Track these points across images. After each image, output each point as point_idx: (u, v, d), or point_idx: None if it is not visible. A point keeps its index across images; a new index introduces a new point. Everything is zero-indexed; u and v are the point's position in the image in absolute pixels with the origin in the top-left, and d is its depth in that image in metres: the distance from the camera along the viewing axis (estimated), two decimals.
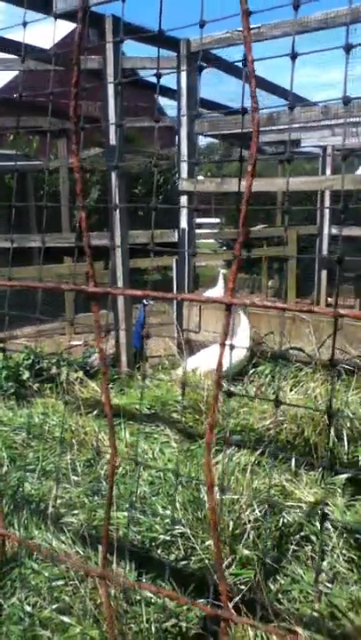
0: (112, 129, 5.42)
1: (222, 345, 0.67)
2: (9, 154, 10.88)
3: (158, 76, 2.29)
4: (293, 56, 1.76)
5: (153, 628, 2.41)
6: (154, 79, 6.65)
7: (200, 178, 8.30)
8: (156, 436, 4.21)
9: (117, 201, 5.45)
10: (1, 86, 16.32)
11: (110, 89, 5.39)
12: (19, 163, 10.35)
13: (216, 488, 2.99)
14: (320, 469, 3.44)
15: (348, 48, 1.57)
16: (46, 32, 3.25)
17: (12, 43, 5.84)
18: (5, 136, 11.24)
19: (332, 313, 0.67)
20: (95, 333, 0.72)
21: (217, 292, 8.32)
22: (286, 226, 7.00)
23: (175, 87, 6.46)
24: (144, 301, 5.97)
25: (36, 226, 9.64)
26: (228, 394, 3.05)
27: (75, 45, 0.81)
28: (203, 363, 5.10)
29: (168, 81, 6.91)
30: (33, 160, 10.33)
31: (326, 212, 9.51)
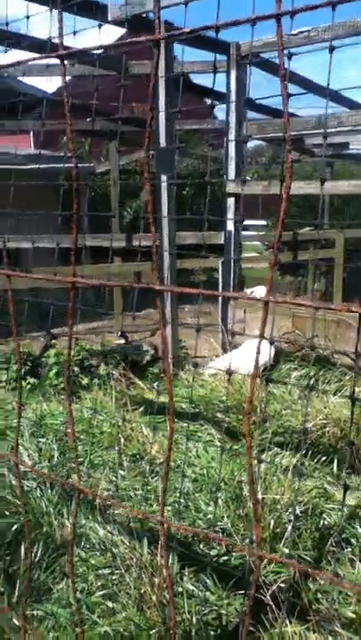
0: (162, 132, 5.54)
1: (261, 337, 0.74)
2: (61, 156, 11.18)
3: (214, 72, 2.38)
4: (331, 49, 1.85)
5: (194, 619, 2.49)
6: (204, 82, 6.74)
7: (247, 180, 8.34)
8: (200, 434, 4.30)
9: (167, 203, 5.57)
10: (53, 90, 16.71)
11: (161, 92, 5.50)
12: (70, 165, 10.62)
13: (259, 487, 3.06)
14: None
15: None
16: (96, 38, 3.37)
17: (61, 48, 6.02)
18: (58, 139, 11.55)
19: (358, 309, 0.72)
20: (160, 328, 0.80)
21: (258, 295, 8.33)
22: (316, 225, 6.95)
23: (224, 90, 6.53)
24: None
25: (87, 226, 9.87)
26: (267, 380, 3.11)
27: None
28: (233, 362, 5.18)
29: (219, 84, 6.97)
30: (84, 162, 10.58)
31: None
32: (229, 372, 2.58)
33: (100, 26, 3.44)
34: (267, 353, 5.31)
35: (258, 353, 0.73)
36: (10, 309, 0.96)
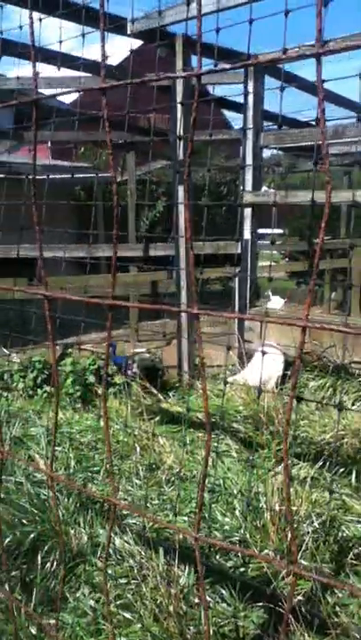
0: (179, 144, 5.57)
1: (300, 361, 0.74)
2: (79, 167, 11.30)
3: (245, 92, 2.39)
4: None
5: (211, 631, 2.47)
6: (221, 93, 6.77)
7: (264, 189, 8.35)
8: (215, 444, 4.29)
9: (183, 213, 5.59)
10: (70, 101, 16.93)
11: (178, 106, 5.54)
12: (87, 175, 10.73)
13: (276, 497, 3.04)
14: None
15: None
16: (112, 49, 3.42)
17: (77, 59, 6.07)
18: (76, 149, 11.68)
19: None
20: (199, 347, 0.81)
21: (275, 304, 8.32)
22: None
23: (240, 101, 6.57)
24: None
25: (104, 236, 9.94)
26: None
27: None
28: (248, 376, 5.19)
29: (234, 94, 7.00)
30: (101, 172, 10.67)
31: None
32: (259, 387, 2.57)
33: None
34: (280, 365, 5.31)
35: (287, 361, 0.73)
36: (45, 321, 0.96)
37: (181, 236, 5.67)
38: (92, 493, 3.48)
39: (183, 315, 5.86)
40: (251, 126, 6.04)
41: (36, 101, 0.87)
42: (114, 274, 0.85)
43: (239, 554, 2.90)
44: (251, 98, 6.28)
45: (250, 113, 6.28)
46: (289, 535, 2.93)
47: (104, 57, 0.82)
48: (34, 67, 0.91)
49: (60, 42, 3.95)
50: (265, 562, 2.78)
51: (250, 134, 6.12)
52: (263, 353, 3.62)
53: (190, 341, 5.89)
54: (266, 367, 5.16)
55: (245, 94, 6.28)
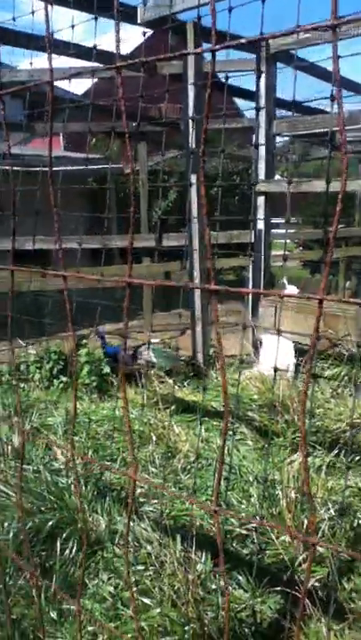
0: (191, 132, 5.55)
1: (316, 339, 0.75)
2: (91, 158, 11.29)
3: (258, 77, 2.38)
4: None
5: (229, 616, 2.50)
6: (232, 81, 6.72)
7: (277, 178, 8.29)
8: (230, 433, 4.31)
9: (196, 203, 5.58)
10: (82, 92, 16.90)
11: (191, 93, 5.51)
12: (100, 166, 10.73)
13: (292, 485, 3.05)
14: None
15: None
16: (123, 38, 3.41)
17: (88, 50, 6.05)
18: (88, 140, 11.66)
19: None
20: (214, 329, 0.81)
21: (289, 291, 8.29)
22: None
23: (252, 88, 6.53)
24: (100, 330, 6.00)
25: (116, 227, 9.95)
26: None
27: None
28: (265, 365, 5.19)
29: (246, 83, 6.94)
30: (113, 163, 10.68)
31: None
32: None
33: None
34: (291, 353, 5.30)
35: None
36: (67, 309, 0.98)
37: (195, 216, 5.65)
38: (114, 470, 3.52)
39: (197, 304, 5.86)
40: (263, 113, 6.00)
41: (52, 83, 0.88)
42: (130, 249, 0.86)
43: (255, 540, 2.92)
44: (263, 85, 6.23)
45: (262, 101, 6.23)
46: (305, 522, 2.95)
47: (118, 40, 0.82)
48: (49, 53, 0.92)
49: (73, 26, 3.94)
50: (289, 535, 2.80)
51: (262, 122, 6.08)
52: (275, 337, 3.61)
53: (205, 331, 5.89)
54: (279, 356, 5.15)
55: (258, 82, 6.23)
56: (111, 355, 5.72)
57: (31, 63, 5.28)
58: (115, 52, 0.95)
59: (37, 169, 4.26)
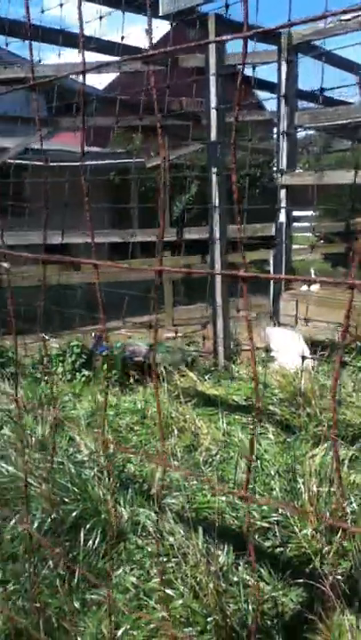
0: (213, 125, 5.53)
1: (345, 331, 0.75)
2: (112, 152, 11.33)
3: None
4: None
5: (250, 608, 2.51)
6: (251, 73, 6.67)
7: (298, 170, 8.23)
8: (252, 426, 4.31)
9: (217, 196, 5.57)
10: (103, 87, 16.93)
11: (212, 86, 5.49)
12: (122, 160, 10.75)
13: (314, 479, 3.05)
14: None
15: None
16: (142, 32, 3.42)
17: (110, 44, 6.05)
18: (109, 135, 11.69)
19: None
20: (245, 318, 0.82)
21: (311, 287, 8.23)
22: None
23: (273, 80, 6.47)
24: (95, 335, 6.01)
25: (138, 221, 9.98)
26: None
27: None
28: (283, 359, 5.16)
29: (267, 74, 6.90)
30: (135, 157, 10.69)
31: None
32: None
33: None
34: (300, 346, 5.26)
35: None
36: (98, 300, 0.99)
37: (216, 204, 5.63)
38: (144, 457, 3.55)
39: (218, 297, 5.86)
40: (285, 105, 5.95)
41: (84, 72, 0.89)
42: (162, 232, 0.87)
43: (278, 533, 2.93)
44: (284, 77, 6.18)
45: (283, 92, 6.18)
46: (328, 515, 2.94)
47: (151, 31, 0.83)
48: (81, 44, 0.93)
49: (101, 17, 3.97)
50: (316, 521, 2.80)
51: (284, 113, 6.03)
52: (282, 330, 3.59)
53: (226, 324, 5.89)
54: (293, 350, 5.12)
55: (279, 73, 6.18)
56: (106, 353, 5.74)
57: (59, 54, 5.32)
58: (136, 46, 0.95)
59: (66, 164, 4.29)
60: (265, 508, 3.14)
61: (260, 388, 4.08)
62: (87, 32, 5.66)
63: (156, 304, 0.90)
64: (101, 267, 0.96)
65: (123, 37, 4.05)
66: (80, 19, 0.90)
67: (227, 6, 4.91)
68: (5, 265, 1.27)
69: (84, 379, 5.49)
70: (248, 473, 0.86)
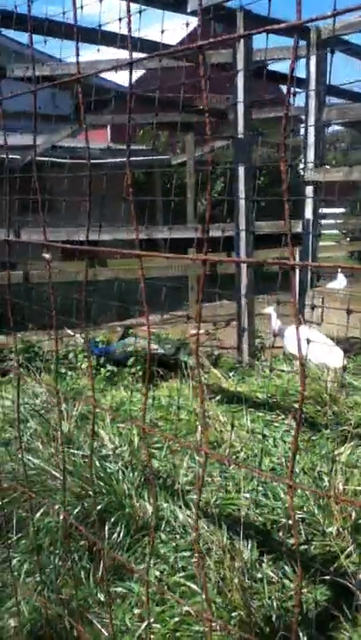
0: (240, 121, 5.51)
1: None
2: (137, 149, 11.34)
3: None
4: None
5: (275, 605, 2.50)
6: (280, 69, 6.63)
7: (326, 167, 8.15)
8: (276, 424, 4.28)
9: (244, 192, 5.55)
10: (126, 84, 16.93)
11: (240, 80, 5.46)
12: (147, 157, 10.77)
13: (339, 477, 3.02)
14: None
15: None
16: (172, 29, 3.41)
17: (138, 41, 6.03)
18: (135, 131, 11.73)
19: None
20: (291, 305, 0.82)
21: (338, 284, 8.16)
22: None
23: (301, 76, 6.41)
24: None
25: (162, 217, 10.00)
26: None
27: None
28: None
29: (298, 70, 6.85)
30: (161, 154, 10.73)
31: None
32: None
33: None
34: (328, 343, 5.18)
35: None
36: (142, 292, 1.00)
37: (241, 197, 5.61)
38: (187, 444, 3.56)
39: (243, 295, 5.83)
40: (313, 101, 5.89)
41: (131, 64, 0.89)
42: (205, 228, 0.87)
43: (302, 532, 2.91)
44: (313, 72, 6.12)
45: (312, 88, 6.12)
46: (353, 514, 2.91)
47: (200, 23, 0.83)
48: (129, 39, 0.93)
49: (129, 10, 3.97)
50: (341, 502, 2.78)
51: (312, 109, 5.98)
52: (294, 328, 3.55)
53: (250, 321, 5.86)
54: (320, 349, 5.05)
55: (307, 68, 6.12)
56: (101, 354, 5.77)
57: (98, 49, 5.33)
58: (160, 42, 0.95)
59: (102, 161, 4.31)
60: (314, 489, 3.12)
61: (282, 387, 4.06)
62: (114, 29, 5.68)
63: (200, 295, 0.90)
64: (147, 254, 0.96)
65: (163, 31, 4.04)
66: (128, 18, 0.90)
67: (245, 10, 4.87)
68: (47, 256, 1.28)
69: (108, 374, 5.53)
70: (292, 461, 0.86)
